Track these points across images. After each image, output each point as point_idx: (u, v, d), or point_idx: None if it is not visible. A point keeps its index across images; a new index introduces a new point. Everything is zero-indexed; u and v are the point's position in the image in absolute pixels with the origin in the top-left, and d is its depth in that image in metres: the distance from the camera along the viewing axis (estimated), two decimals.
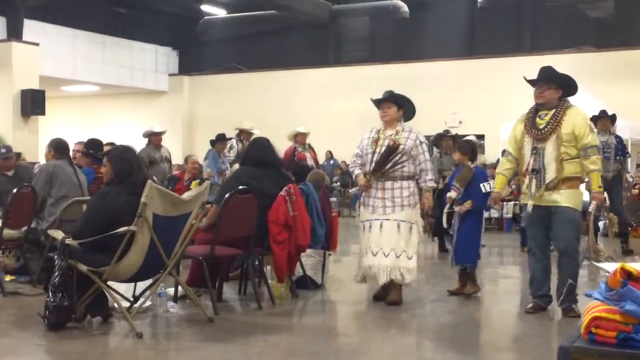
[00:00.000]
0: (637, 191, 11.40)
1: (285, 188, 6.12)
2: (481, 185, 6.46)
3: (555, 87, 5.59)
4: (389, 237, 5.99)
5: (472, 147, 6.82)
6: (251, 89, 21.01)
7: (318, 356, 4.70)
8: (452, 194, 6.50)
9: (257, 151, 6.42)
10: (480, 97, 18.29)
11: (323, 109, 19.67)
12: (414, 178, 6.16)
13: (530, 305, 5.72)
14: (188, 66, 22.64)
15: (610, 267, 2.52)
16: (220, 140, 10.81)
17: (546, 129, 5.52)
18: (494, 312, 6.24)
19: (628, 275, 2.32)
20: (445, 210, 6.55)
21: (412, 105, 6.30)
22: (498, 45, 19.00)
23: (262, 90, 20.80)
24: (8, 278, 6.83)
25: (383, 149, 6.07)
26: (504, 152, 6.12)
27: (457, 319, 5.81)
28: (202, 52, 22.41)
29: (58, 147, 7.27)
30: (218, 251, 5.76)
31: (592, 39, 18.15)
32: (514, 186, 10.74)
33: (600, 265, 2.76)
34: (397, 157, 6.02)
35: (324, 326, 5.57)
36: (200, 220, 5.69)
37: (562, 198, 5.48)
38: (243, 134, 11.17)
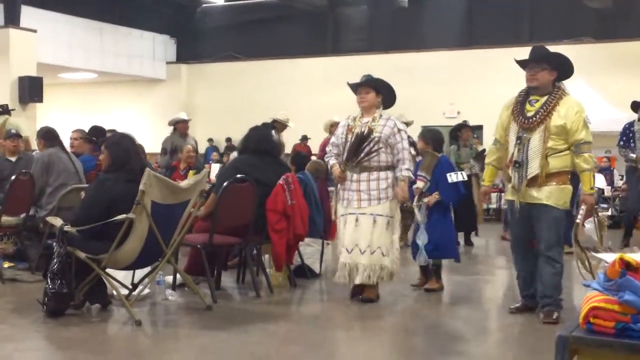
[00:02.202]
0: None
1: (283, 177, 6.13)
2: (447, 175, 6.14)
3: (549, 69, 5.06)
4: (365, 233, 5.63)
5: (436, 137, 6.47)
6: (249, 77, 20.97)
7: (316, 345, 4.72)
8: (419, 185, 6.10)
9: (255, 140, 6.41)
10: (478, 88, 18.27)
11: (321, 98, 19.62)
12: (392, 169, 5.73)
13: (516, 305, 5.37)
14: (186, 54, 22.57)
15: (609, 257, 2.53)
16: None
17: (534, 119, 5.00)
18: (492, 304, 6.26)
19: (627, 266, 2.33)
20: (414, 203, 6.12)
21: (392, 91, 5.91)
22: (496, 36, 18.96)
23: (260, 79, 20.76)
24: (7, 265, 6.84)
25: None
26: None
27: (456, 309, 5.82)
28: (200, 41, 22.34)
29: (47, 136, 7.26)
30: (216, 239, 5.77)
31: (591, 29, 18.13)
32: (500, 184, 10.61)
33: (599, 255, 2.76)
34: (370, 146, 5.63)
35: (322, 315, 5.58)
36: (198, 208, 5.69)
37: (545, 195, 4.99)
38: (278, 124, 11.02)
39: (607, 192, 13.76)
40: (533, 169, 4.98)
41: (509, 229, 5.47)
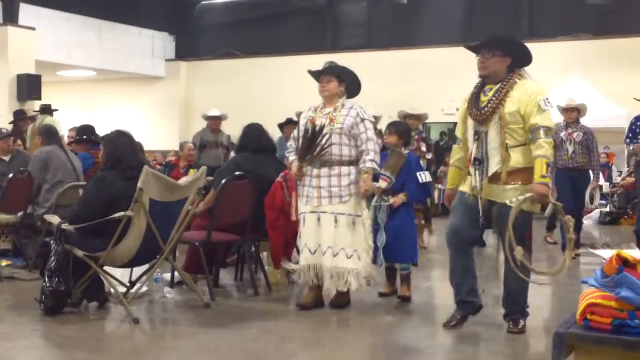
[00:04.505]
0: (632, 179, 11.39)
1: (281, 174, 6.12)
2: (417, 174, 5.70)
3: (501, 55, 4.64)
4: (326, 233, 5.26)
5: (408, 130, 5.98)
6: (248, 74, 20.95)
7: (313, 342, 4.72)
8: (381, 184, 5.60)
9: (254, 138, 6.40)
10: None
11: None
12: (355, 163, 5.32)
13: (452, 323, 4.85)
14: (185, 52, 22.55)
15: (607, 253, 2.52)
16: (288, 124, 10.46)
17: (486, 109, 4.58)
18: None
19: (624, 262, 2.33)
20: (373, 202, 5.63)
21: (356, 79, 5.53)
22: (495, 32, 18.93)
23: (259, 76, 20.74)
24: (4, 263, 6.83)
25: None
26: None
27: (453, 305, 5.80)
28: (199, 38, 22.31)
29: (45, 134, 7.34)
30: (215, 237, 5.77)
31: (589, 25, 18.08)
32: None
33: (596, 252, 2.76)
34: (324, 140, 5.23)
35: (320, 313, 5.56)
36: (196, 205, 5.69)
37: (508, 195, 4.55)
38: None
39: (606, 188, 13.75)
40: (494, 165, 4.58)
41: (451, 219, 4.92)
